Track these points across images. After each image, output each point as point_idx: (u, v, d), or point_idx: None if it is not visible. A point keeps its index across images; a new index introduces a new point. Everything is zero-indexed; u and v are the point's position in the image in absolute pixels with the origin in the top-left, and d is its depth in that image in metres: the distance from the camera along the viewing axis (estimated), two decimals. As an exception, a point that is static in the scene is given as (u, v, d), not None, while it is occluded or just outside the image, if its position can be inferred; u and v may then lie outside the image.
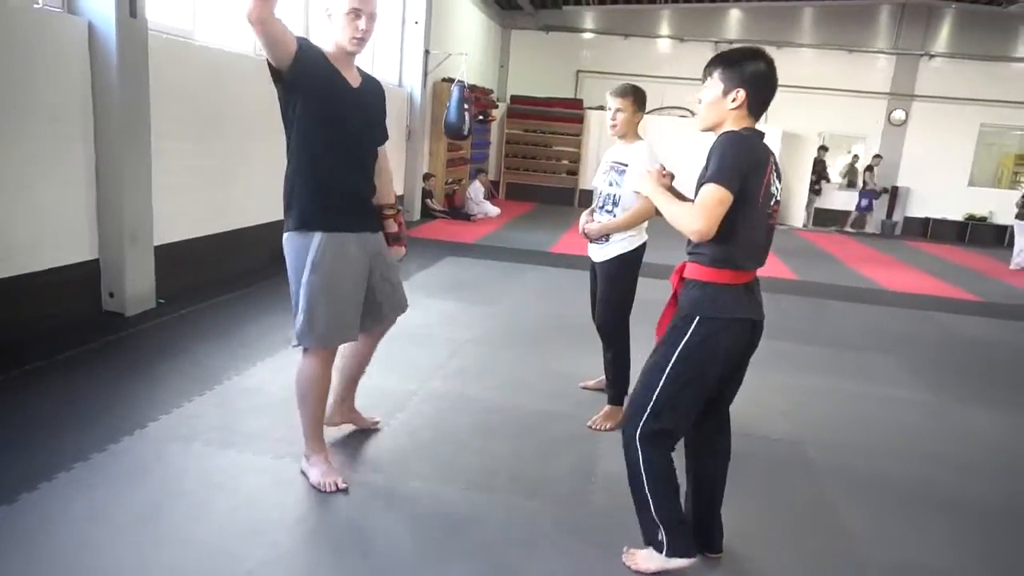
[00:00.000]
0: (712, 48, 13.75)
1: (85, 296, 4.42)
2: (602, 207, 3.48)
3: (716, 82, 2.12)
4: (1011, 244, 12.98)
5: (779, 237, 11.55)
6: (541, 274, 7.02)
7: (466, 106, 9.95)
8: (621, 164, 3.45)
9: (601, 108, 13.77)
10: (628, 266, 3.45)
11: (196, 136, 5.26)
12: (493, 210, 11.11)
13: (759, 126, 2.19)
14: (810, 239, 11.88)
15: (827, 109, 13.52)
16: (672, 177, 2.39)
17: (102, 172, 4.37)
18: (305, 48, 2.44)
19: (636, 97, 3.44)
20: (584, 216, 3.52)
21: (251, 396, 3.49)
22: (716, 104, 2.13)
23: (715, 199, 1.99)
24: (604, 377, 3.64)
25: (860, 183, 13.35)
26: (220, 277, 5.46)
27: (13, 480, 2.52)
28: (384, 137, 2.83)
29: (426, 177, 10.40)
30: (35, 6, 3.96)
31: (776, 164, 2.15)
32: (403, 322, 4.87)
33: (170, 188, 4.94)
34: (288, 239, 2.57)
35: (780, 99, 9.81)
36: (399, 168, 9.79)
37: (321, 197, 2.53)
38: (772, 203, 2.13)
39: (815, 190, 13.32)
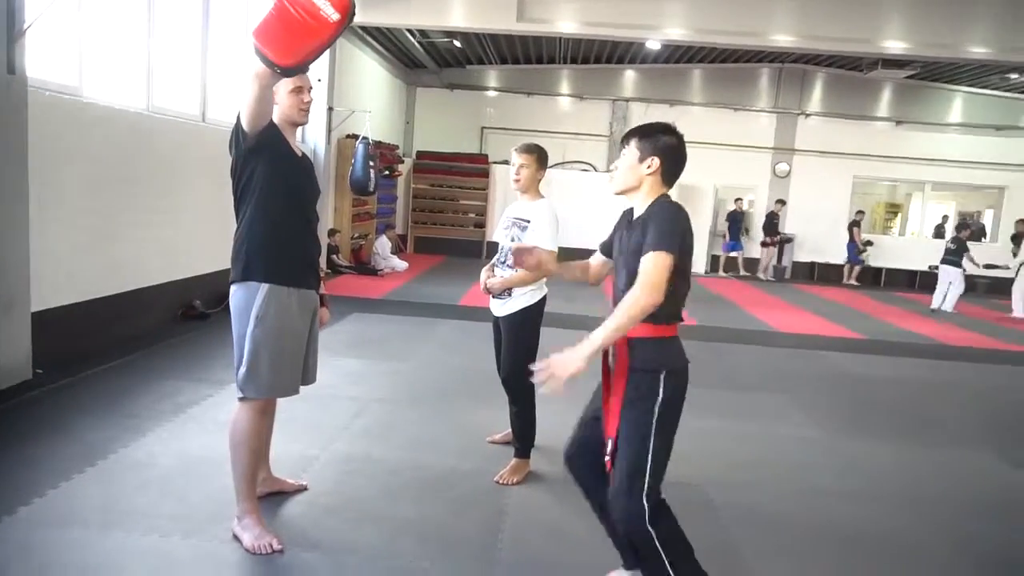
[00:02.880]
0: (610, 105, 14.47)
1: (-50, 369, 4.06)
2: (503, 262, 3.53)
3: (633, 150, 2.32)
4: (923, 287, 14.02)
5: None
6: (449, 328, 7.01)
7: (371, 162, 9.96)
8: (523, 220, 3.53)
9: (506, 163, 14.00)
10: (531, 319, 3.50)
11: (83, 195, 5.02)
12: (401, 264, 11.06)
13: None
14: (708, 285, 12.45)
15: (720, 162, 14.37)
16: (538, 253, 2.65)
17: (-28, 235, 4.08)
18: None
19: (539, 155, 3.57)
20: (485, 271, 3.56)
21: (139, 470, 3.27)
22: (633, 169, 2.31)
23: (664, 265, 2.11)
24: (511, 430, 3.63)
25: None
26: (108, 342, 5.15)
27: None
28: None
29: (331, 233, 10.27)
30: (-103, 62, 3.72)
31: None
32: (306, 383, 4.77)
33: (53, 251, 4.66)
34: (235, 290, 2.64)
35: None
36: (304, 224, 9.61)
37: (273, 255, 2.61)
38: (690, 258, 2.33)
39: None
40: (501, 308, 3.53)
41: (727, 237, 14.21)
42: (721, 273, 14.22)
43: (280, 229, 2.62)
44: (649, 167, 2.29)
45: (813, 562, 2.93)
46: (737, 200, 14.24)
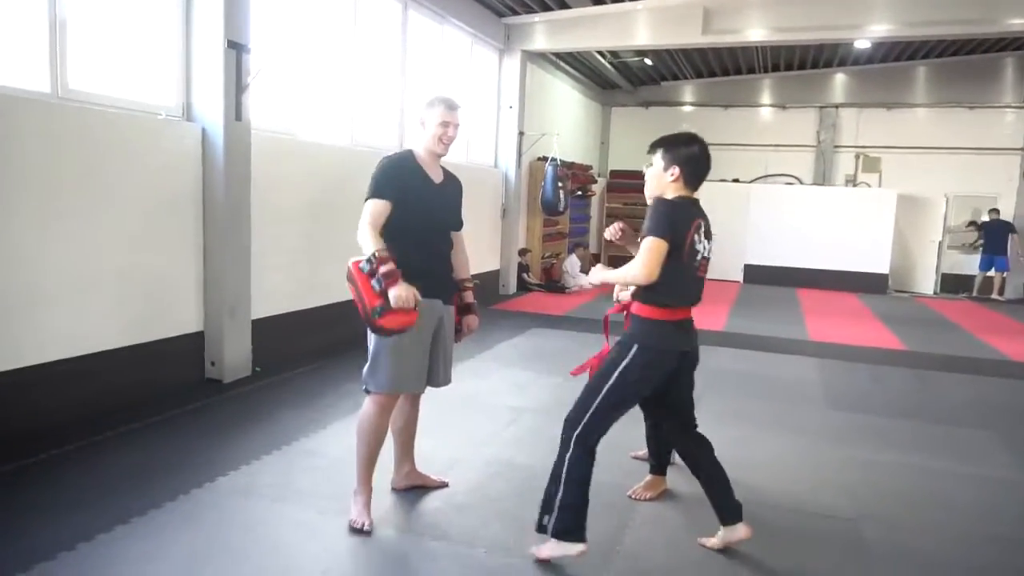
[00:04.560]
0: (817, 113, 13.53)
1: (191, 364, 4.97)
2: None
3: (659, 160, 2.67)
4: None
5: (899, 305, 10.83)
6: (623, 344, 7.02)
7: (560, 183, 10.33)
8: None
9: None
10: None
11: (292, 220, 5.86)
12: (588, 283, 11.22)
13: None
14: (934, 307, 11.05)
15: (951, 169, 12.76)
16: (628, 230, 2.94)
17: (208, 253, 4.97)
18: (390, 167, 2.95)
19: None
20: (618, 287, 3.59)
21: (312, 457, 3.77)
22: (658, 177, 2.67)
23: (651, 248, 2.50)
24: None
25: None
26: (311, 348, 5.93)
27: (93, 525, 2.89)
28: (459, 224, 3.23)
29: (522, 252, 10.75)
30: (159, 117, 4.68)
31: (704, 226, 2.65)
32: (469, 390, 5.13)
33: (268, 268, 5.51)
34: None
35: (895, 160, 9.78)
36: (495, 244, 10.22)
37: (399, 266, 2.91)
38: (698, 259, 2.64)
39: None
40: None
41: (982, 252, 12.15)
42: (974, 294, 12.25)
43: (403, 249, 2.85)
44: (672, 175, 2.63)
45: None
46: (992, 210, 12.28)
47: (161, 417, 4.25)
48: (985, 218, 12.32)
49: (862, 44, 11.06)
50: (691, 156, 2.62)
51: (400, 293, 2.68)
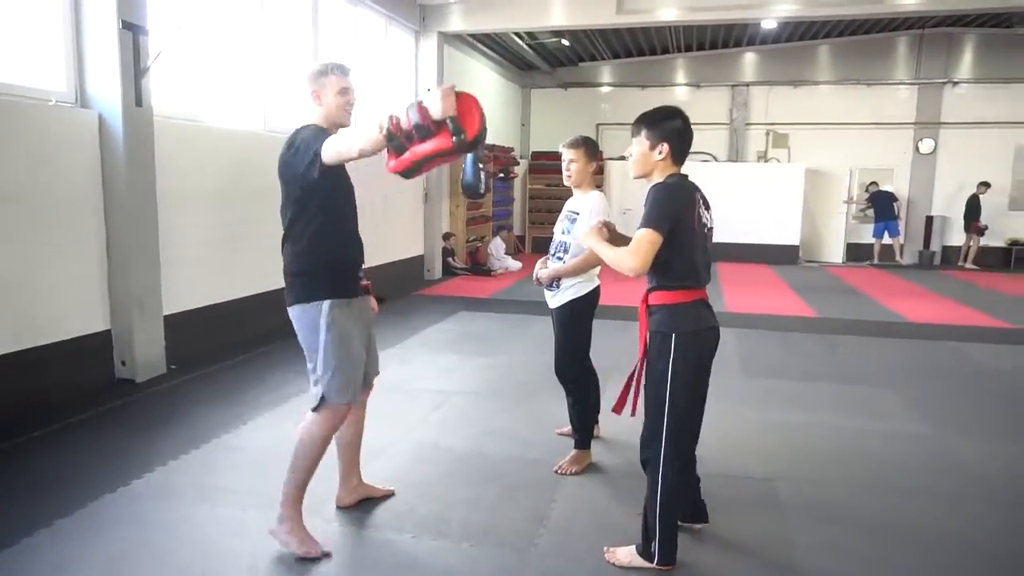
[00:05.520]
0: (729, 91, 13.94)
1: (99, 364, 4.73)
2: (554, 254, 3.59)
3: (643, 139, 2.54)
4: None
5: (809, 274, 11.34)
6: (545, 324, 7.06)
7: (481, 166, 10.29)
8: (574, 212, 3.58)
9: (622, 158, 13.97)
10: (581, 311, 3.53)
11: (204, 210, 5.63)
12: (515, 264, 11.30)
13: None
14: (841, 275, 11.65)
15: (853, 143, 13.41)
16: (612, 227, 2.83)
17: (112, 248, 4.73)
18: (323, 135, 2.57)
19: (588, 148, 3.60)
20: (539, 263, 3.63)
21: (234, 453, 3.66)
22: (645, 156, 2.55)
23: (646, 240, 2.39)
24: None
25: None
26: (229, 342, 5.74)
27: (-7, 537, 2.73)
28: None
29: (446, 236, 10.70)
30: (50, 103, 4.39)
31: (703, 199, 2.60)
32: (394, 376, 5.09)
33: (179, 261, 5.28)
34: (300, 310, 2.68)
35: (802, 136, 10.18)
36: (418, 229, 10.12)
37: (331, 269, 2.69)
38: (705, 231, 2.57)
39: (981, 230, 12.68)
40: (552, 300, 3.59)
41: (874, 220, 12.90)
42: (875, 262, 12.95)
43: (340, 246, 2.70)
44: (660, 153, 2.52)
45: (868, 559, 2.74)
46: (872, 183, 13.12)
47: (69, 421, 4.04)
48: (868, 193, 13.12)
49: (768, 24, 11.43)
50: (676, 130, 2.51)
51: (435, 104, 2.29)
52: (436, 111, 2.29)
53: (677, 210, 2.44)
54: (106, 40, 4.53)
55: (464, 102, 2.34)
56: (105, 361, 4.77)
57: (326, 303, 2.65)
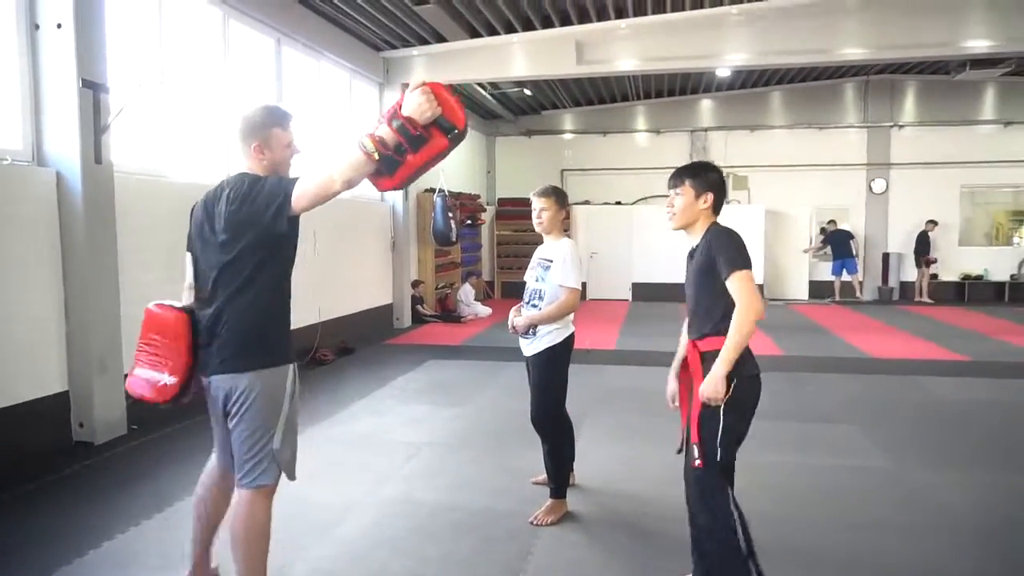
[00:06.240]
0: (688, 136, 14.32)
1: (56, 427, 4.56)
2: (528, 302, 3.61)
3: (688, 189, 2.63)
4: (1012, 300, 12.93)
5: (774, 313, 11.54)
6: (514, 370, 7.06)
7: (450, 213, 10.36)
8: (547, 260, 3.61)
9: (587, 203, 14.23)
10: (558, 357, 3.53)
11: (167, 266, 5.53)
12: (484, 311, 11.30)
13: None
14: (805, 312, 11.87)
15: (810, 185, 13.84)
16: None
17: (71, 308, 4.62)
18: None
19: (558, 197, 3.68)
20: (512, 311, 3.64)
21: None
22: (690, 207, 2.64)
23: (747, 278, 2.46)
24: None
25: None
26: (193, 401, 5.57)
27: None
28: None
29: (415, 284, 10.67)
30: (4, 162, 4.32)
31: None
32: (364, 429, 5.00)
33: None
34: (260, 377, 2.40)
35: (761, 178, 10.47)
36: (386, 277, 10.09)
37: (285, 331, 2.52)
38: None
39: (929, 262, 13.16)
40: (528, 348, 3.59)
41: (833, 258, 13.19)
42: (837, 299, 13.18)
43: (286, 299, 2.50)
44: (704, 202, 2.63)
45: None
46: (830, 222, 13.49)
47: (22, 489, 3.86)
48: (827, 230, 13.46)
49: (723, 72, 11.85)
50: (717, 181, 2.64)
51: (418, 109, 2.22)
52: (423, 115, 2.22)
53: (745, 251, 2.50)
54: (66, 98, 4.50)
55: (437, 94, 2.26)
56: (62, 424, 4.60)
57: (291, 367, 2.45)
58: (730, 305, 2.47)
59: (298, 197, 2.26)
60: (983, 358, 7.72)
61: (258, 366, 2.40)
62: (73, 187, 4.55)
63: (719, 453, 2.49)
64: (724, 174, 2.68)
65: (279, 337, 2.48)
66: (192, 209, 2.58)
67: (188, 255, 2.57)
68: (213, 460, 2.71)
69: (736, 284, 2.43)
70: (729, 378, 2.45)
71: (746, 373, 2.51)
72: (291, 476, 2.51)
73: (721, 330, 2.48)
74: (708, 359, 2.52)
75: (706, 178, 2.62)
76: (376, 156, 2.20)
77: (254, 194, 2.33)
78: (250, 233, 2.33)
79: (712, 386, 2.44)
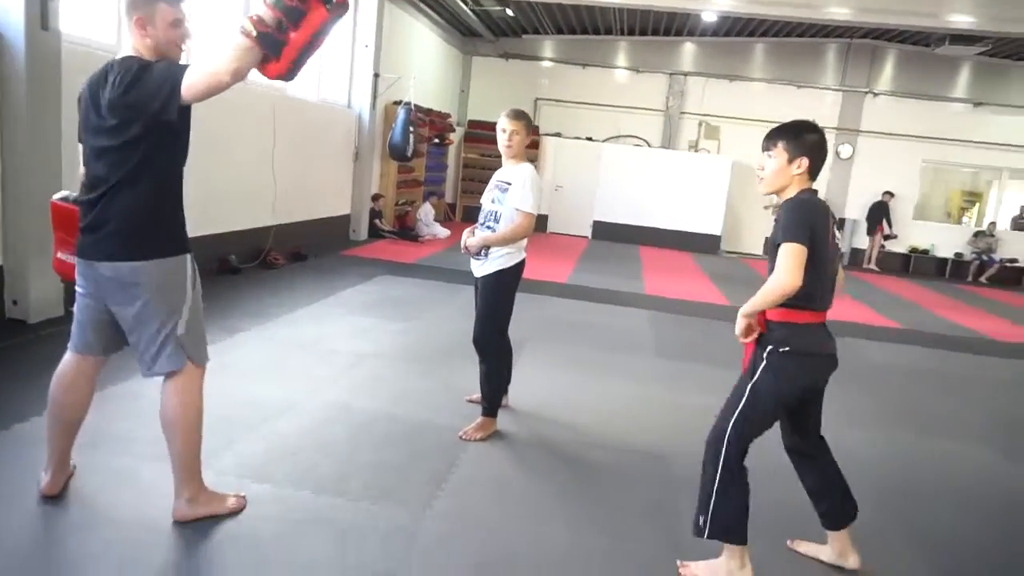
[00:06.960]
0: (667, 79, 14.15)
1: (-13, 303, 4.44)
2: (483, 223, 3.60)
3: (780, 152, 2.42)
4: (952, 276, 13.43)
5: (727, 264, 11.75)
6: (470, 293, 7.11)
7: (411, 128, 10.09)
8: (505, 183, 3.59)
9: (558, 135, 14.07)
10: (506, 282, 3.56)
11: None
12: (443, 232, 11.23)
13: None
14: (756, 267, 12.14)
15: (778, 142, 13.91)
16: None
17: (8, 182, 4.42)
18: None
19: (528, 121, 3.63)
20: (466, 232, 3.63)
21: (130, 401, 3.52)
22: (782, 171, 2.44)
23: (793, 254, 2.29)
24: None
25: None
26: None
27: None
28: None
29: (375, 197, 10.51)
30: (-58, 16, 4.03)
31: (833, 216, 2.50)
32: (309, 335, 4.99)
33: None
34: (162, 264, 2.40)
35: (733, 129, 10.47)
36: (346, 188, 9.89)
37: (181, 220, 2.49)
38: (838, 253, 2.51)
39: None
40: (479, 269, 3.60)
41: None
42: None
43: (179, 186, 2.46)
44: (799, 167, 2.41)
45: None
46: None
47: (-52, 360, 3.79)
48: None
49: (708, 16, 11.65)
50: (815, 144, 2.41)
51: None
52: None
53: (814, 225, 2.34)
54: (12, -47, 4.18)
55: None
56: (-6, 299, 4.48)
57: (188, 256, 2.46)
58: (809, 281, 2.33)
59: (187, 87, 2.16)
60: (913, 327, 8.06)
61: (155, 255, 2.39)
62: (15, 51, 4.28)
63: (729, 429, 2.45)
64: (824, 134, 2.45)
65: (174, 227, 2.46)
66: (79, 98, 2.46)
67: (80, 146, 2.48)
68: (70, 355, 2.69)
69: (781, 253, 2.31)
70: (787, 353, 2.41)
71: (806, 349, 2.43)
72: (200, 361, 2.55)
73: (790, 304, 2.36)
74: (774, 328, 2.44)
75: (803, 141, 2.39)
76: (254, 34, 2.11)
77: (144, 80, 2.21)
78: (138, 120, 2.25)
79: (738, 320, 2.48)
